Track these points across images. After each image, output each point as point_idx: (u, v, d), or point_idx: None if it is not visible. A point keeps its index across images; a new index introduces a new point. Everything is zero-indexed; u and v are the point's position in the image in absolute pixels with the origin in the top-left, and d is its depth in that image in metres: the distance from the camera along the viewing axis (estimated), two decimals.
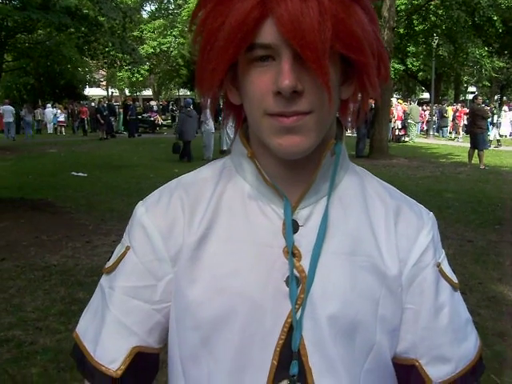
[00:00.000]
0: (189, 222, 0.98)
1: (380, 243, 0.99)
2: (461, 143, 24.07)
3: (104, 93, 60.81)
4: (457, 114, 30.30)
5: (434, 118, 32.01)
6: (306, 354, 0.92)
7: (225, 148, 16.37)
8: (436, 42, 29.98)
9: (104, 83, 59.93)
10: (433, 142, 27.24)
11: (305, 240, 0.95)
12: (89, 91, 55.58)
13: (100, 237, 7.73)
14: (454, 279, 1.06)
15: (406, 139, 27.52)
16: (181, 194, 1.01)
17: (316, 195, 0.97)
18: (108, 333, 1.00)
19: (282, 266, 0.94)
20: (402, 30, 32.06)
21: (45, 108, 33.84)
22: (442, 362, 1.02)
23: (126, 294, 1.00)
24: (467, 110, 26.96)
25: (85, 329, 1.05)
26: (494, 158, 18.57)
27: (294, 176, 0.96)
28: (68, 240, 7.56)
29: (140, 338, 1.00)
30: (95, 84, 56.06)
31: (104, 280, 1.05)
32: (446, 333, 1.02)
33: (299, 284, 0.93)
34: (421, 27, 32.55)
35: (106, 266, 1.05)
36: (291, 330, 0.92)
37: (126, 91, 61.51)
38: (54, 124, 32.95)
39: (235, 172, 1.01)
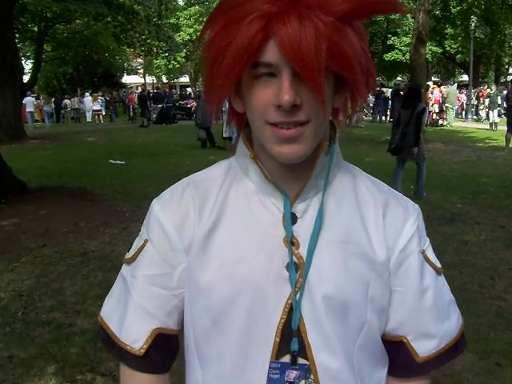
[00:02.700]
0: (199, 216, 1.10)
1: (370, 233, 1.11)
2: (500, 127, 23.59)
3: (141, 80, 61.27)
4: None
5: (473, 102, 31.31)
6: (306, 331, 1.05)
7: (225, 135, 16.49)
8: (473, 23, 29.37)
9: (141, 71, 60.34)
10: (471, 125, 26.76)
11: (302, 230, 1.08)
12: (126, 79, 56.06)
13: (136, 223, 7.83)
14: (438, 264, 1.18)
15: (444, 123, 27.12)
16: (191, 191, 1.14)
17: (312, 191, 1.10)
18: (131, 316, 1.14)
19: (282, 254, 1.07)
20: (438, 12, 31.53)
21: (83, 97, 34.21)
22: (427, 338, 1.15)
23: (147, 281, 1.14)
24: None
25: (109, 313, 1.19)
26: None
27: (292, 174, 1.08)
28: (105, 227, 7.78)
29: (160, 320, 1.14)
30: (132, 72, 56.57)
31: (125, 269, 1.19)
32: (430, 312, 1.15)
33: (298, 269, 1.06)
34: (458, 9, 32.00)
35: (127, 257, 1.18)
36: (291, 311, 1.05)
37: (163, 78, 61.85)
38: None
39: (240, 171, 1.14)
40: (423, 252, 1.15)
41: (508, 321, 4.71)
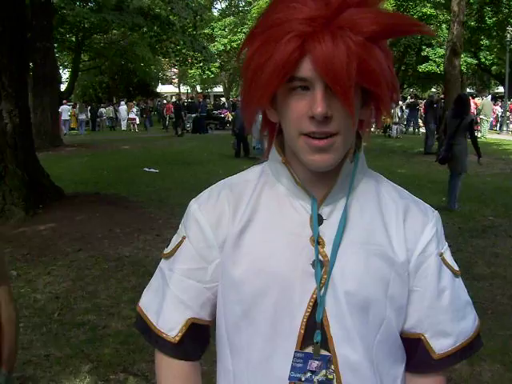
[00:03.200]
0: (233, 215, 1.20)
1: (391, 235, 1.19)
2: None
3: (176, 90, 61.80)
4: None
5: (508, 114, 30.83)
6: (328, 324, 1.14)
7: (253, 145, 17.16)
8: (510, 34, 29.04)
9: (176, 80, 60.93)
10: (505, 137, 26.31)
11: (328, 231, 1.17)
12: (161, 88, 56.69)
13: (169, 230, 7.92)
14: (455, 267, 1.26)
15: (478, 135, 26.75)
16: (227, 193, 1.24)
17: (337, 195, 1.19)
18: (168, 306, 1.25)
19: (308, 252, 1.16)
20: (473, 23, 31.25)
21: (119, 105, 34.53)
22: (443, 336, 1.22)
23: (183, 274, 1.24)
24: None
25: (148, 304, 1.30)
26: None
27: (320, 179, 1.17)
28: (139, 233, 7.92)
29: (194, 311, 1.25)
30: (167, 81, 57.18)
31: (163, 264, 1.30)
32: (447, 311, 1.22)
33: (323, 267, 1.15)
34: (493, 20, 31.67)
35: (165, 252, 1.30)
36: (316, 305, 1.14)
37: (198, 88, 62.33)
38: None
39: (271, 175, 1.24)
40: (441, 255, 1.22)
41: None
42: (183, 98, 44.46)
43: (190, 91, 62.12)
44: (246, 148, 17.78)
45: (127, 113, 32.80)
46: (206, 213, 1.23)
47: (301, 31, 0.99)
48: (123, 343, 4.46)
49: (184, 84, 62.57)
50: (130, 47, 32.56)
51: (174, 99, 40.00)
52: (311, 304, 1.14)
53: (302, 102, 1.05)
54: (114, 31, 31.26)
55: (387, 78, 1.06)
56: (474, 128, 9.68)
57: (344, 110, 1.04)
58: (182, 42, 27.99)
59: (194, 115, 29.93)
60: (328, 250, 1.16)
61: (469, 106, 10.21)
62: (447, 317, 1.22)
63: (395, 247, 1.18)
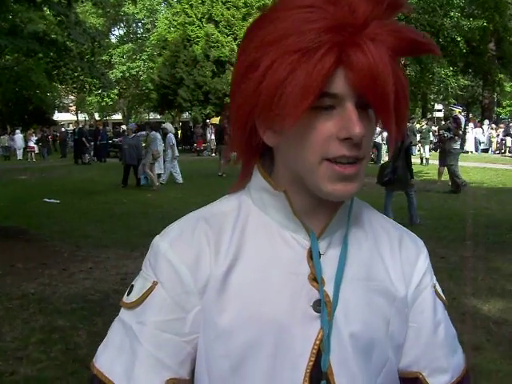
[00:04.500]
0: (215, 253, 1.02)
1: (388, 269, 1.09)
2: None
3: (73, 117, 60.47)
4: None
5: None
6: (333, 372, 0.99)
7: (157, 172, 17.02)
8: (403, 61, 30.42)
9: (73, 108, 59.59)
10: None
11: (326, 268, 1.03)
12: (58, 116, 55.18)
13: (76, 264, 7.69)
14: (444, 298, 1.18)
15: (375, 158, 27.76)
16: (204, 226, 1.05)
17: (336, 228, 1.06)
18: (142, 367, 1.01)
19: (308, 292, 1.01)
20: None
21: (14, 134, 33.50)
22: (441, 372, 1.12)
23: (157, 328, 1.02)
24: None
25: (110, 365, 1.05)
26: (462, 175, 18.85)
27: (318, 210, 1.04)
28: (44, 268, 7.51)
29: (173, 370, 1.02)
30: (64, 109, 55.82)
31: (127, 315, 1.06)
32: (442, 346, 1.13)
33: (325, 308, 1.01)
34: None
35: (128, 301, 1.06)
36: (319, 352, 0.99)
37: (96, 115, 61.25)
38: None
39: (254, 206, 1.08)
40: (434, 286, 1.15)
41: None
42: (81, 125, 43.51)
43: (88, 119, 60.89)
44: (125, 177, 17.36)
45: (24, 141, 31.85)
46: (181, 252, 1.03)
47: (336, 41, 0.85)
48: None
49: (82, 111, 61.33)
50: (25, 73, 31.64)
51: (71, 127, 39.04)
52: (314, 352, 0.99)
53: (329, 123, 0.91)
54: (8, 56, 30.14)
55: (402, 103, 0.95)
56: (410, 151, 10.55)
57: (370, 130, 0.93)
58: (79, 69, 27.35)
59: (92, 143, 29.43)
60: (329, 288, 1.02)
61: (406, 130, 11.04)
62: (443, 352, 1.14)
63: (394, 282, 1.09)
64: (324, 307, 1.00)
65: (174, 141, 18.10)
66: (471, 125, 33.59)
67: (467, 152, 31.69)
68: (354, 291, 1.04)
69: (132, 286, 1.09)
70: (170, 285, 1.02)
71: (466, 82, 42.63)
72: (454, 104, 20.52)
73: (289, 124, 0.89)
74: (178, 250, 1.03)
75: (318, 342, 0.99)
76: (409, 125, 17.81)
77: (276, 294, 1.00)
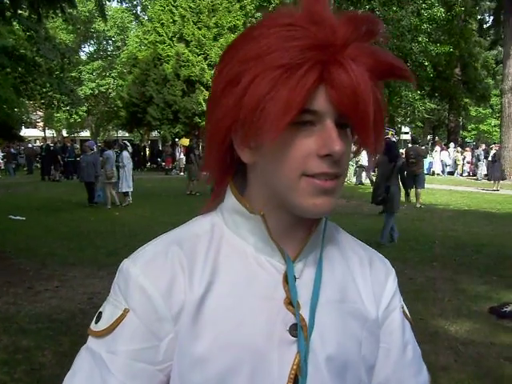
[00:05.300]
0: (189, 278, 0.99)
1: (360, 290, 1.09)
2: None
3: (41, 134, 59.77)
4: None
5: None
6: None
7: (124, 190, 16.95)
8: None
9: (41, 124, 58.92)
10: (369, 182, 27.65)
11: (301, 291, 1.02)
12: (25, 132, 54.41)
13: (42, 282, 7.55)
14: (410, 318, 1.18)
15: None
16: (176, 250, 1.02)
17: (310, 250, 1.05)
18: None
19: (284, 317, 0.99)
20: None
21: None
22: None
23: (130, 357, 0.98)
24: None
25: None
26: (429, 197, 19.13)
27: (293, 233, 1.03)
28: (9, 286, 7.35)
29: None
30: (31, 125, 55.14)
31: (96, 344, 1.01)
32: (411, 366, 1.13)
33: (301, 332, 1.00)
34: None
35: (97, 330, 1.02)
36: (296, 376, 0.98)
37: (64, 132, 60.63)
38: None
39: (227, 228, 1.06)
40: (402, 307, 1.16)
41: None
42: (48, 142, 43.05)
43: (55, 135, 60.26)
44: (91, 196, 17.07)
45: None
46: (154, 278, 0.99)
47: (319, 59, 0.85)
48: None
49: (49, 128, 60.69)
50: None
51: (38, 143, 38.53)
52: (292, 376, 0.97)
53: (309, 140, 0.90)
54: None
55: (380, 123, 0.96)
56: (403, 171, 11.06)
57: (348, 148, 0.94)
58: (48, 85, 27.14)
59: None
60: (305, 312, 1.01)
61: (398, 150, 11.59)
62: (411, 371, 1.13)
63: (366, 303, 1.09)
64: (300, 331, 0.99)
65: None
66: (437, 148, 34.20)
67: (433, 174, 32.24)
68: (329, 314, 1.03)
69: (100, 313, 1.04)
70: (143, 312, 0.98)
71: (433, 106, 43.43)
72: (387, 127, 20.93)
73: (269, 138, 0.89)
74: (151, 276, 0.99)
75: (295, 367, 0.98)
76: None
77: (252, 318, 0.99)
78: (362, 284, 1.10)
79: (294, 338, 0.99)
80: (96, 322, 1.03)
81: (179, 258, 1.01)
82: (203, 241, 1.04)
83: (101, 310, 1.05)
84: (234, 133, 0.96)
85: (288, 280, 1.01)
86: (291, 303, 1.00)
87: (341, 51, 0.87)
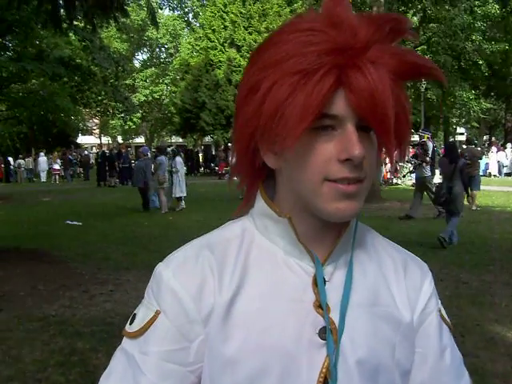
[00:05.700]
0: (219, 281, 1.01)
1: (394, 294, 1.08)
2: None
3: (96, 141, 61.12)
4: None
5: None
6: None
7: (178, 195, 16.99)
8: (424, 86, 30.47)
9: (97, 131, 60.25)
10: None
11: (331, 294, 1.01)
12: (81, 139, 55.77)
13: (96, 286, 7.70)
14: (449, 322, 1.16)
15: (398, 182, 27.63)
16: (207, 254, 1.04)
17: (340, 253, 1.05)
18: None
19: (313, 319, 0.99)
20: None
21: (38, 156, 33.95)
22: None
23: (161, 358, 1.00)
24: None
25: None
26: (485, 199, 18.68)
27: (322, 235, 1.03)
28: (65, 290, 7.52)
29: None
30: (88, 132, 56.40)
31: (130, 345, 1.04)
32: (449, 371, 1.11)
33: (331, 335, 0.99)
34: None
35: (131, 331, 1.05)
36: (326, 380, 0.98)
37: (119, 139, 61.84)
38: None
39: (257, 232, 1.07)
40: (439, 310, 1.14)
41: (483, 377, 4.66)
42: (104, 148, 44.01)
43: (111, 142, 61.48)
44: (144, 201, 17.27)
45: (47, 164, 32.28)
46: (185, 281, 1.01)
47: (336, 63, 0.85)
48: None
49: (105, 135, 61.97)
50: (50, 97, 32.07)
51: (94, 150, 39.42)
52: (321, 380, 0.97)
53: (329, 144, 0.90)
54: (34, 80, 30.66)
55: (403, 126, 0.95)
56: (466, 171, 11.09)
57: (371, 153, 0.93)
58: (103, 93, 27.78)
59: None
60: (335, 315, 1.00)
61: (457, 151, 11.88)
62: (450, 377, 1.11)
63: (400, 307, 1.07)
64: (330, 334, 0.98)
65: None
66: (494, 148, 33.38)
67: (490, 175, 31.48)
68: (360, 317, 1.02)
69: (134, 314, 1.07)
70: (174, 314, 1.01)
71: (489, 106, 42.45)
72: (423, 130, 20.48)
73: (288, 144, 0.89)
74: (182, 279, 1.02)
75: (324, 370, 0.98)
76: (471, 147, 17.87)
77: (281, 321, 0.99)
78: (395, 287, 1.09)
79: (324, 341, 0.99)
80: (130, 324, 1.06)
81: (209, 262, 1.03)
82: (233, 245, 1.05)
83: (135, 311, 1.08)
84: (257, 139, 0.96)
85: (317, 282, 1.01)
86: (320, 306, 1.00)
87: (360, 54, 0.86)
